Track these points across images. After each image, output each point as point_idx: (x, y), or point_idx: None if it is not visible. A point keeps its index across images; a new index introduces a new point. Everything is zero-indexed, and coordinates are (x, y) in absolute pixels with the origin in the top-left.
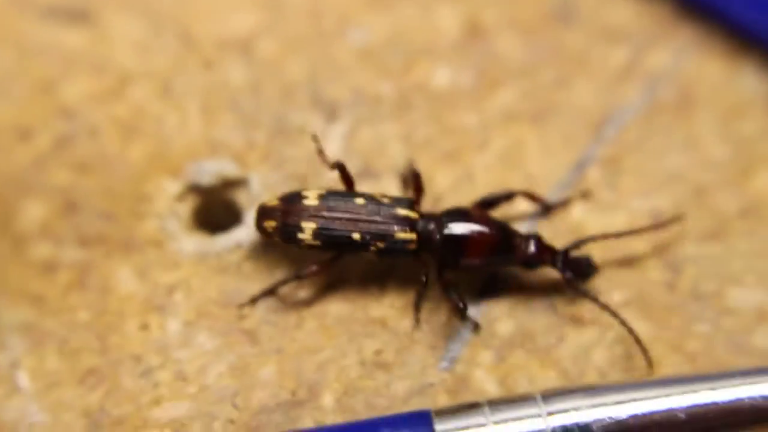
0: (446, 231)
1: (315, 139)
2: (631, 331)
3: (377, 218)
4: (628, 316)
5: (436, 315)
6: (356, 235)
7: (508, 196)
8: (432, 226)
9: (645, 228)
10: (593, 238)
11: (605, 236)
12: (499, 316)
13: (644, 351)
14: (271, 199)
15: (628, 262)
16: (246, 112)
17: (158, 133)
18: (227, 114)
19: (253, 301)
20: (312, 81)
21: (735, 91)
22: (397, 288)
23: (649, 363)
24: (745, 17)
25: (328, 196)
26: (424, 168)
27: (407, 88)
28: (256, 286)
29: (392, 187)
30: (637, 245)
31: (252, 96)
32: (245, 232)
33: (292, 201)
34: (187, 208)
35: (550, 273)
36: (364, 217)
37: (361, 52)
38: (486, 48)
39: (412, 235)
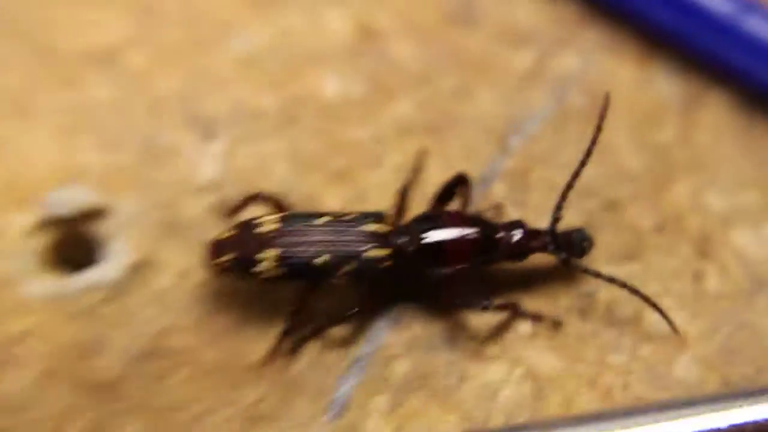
0: (423, 241)
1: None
2: (663, 313)
3: (343, 238)
4: (535, 348)
5: (326, 353)
6: (321, 260)
7: (459, 181)
8: (405, 238)
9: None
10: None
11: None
12: (396, 353)
13: (674, 330)
14: (222, 231)
15: (536, 288)
16: (110, 133)
17: (8, 158)
18: (89, 135)
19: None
20: (186, 96)
21: (648, 96)
22: (277, 325)
23: (675, 330)
24: (655, 17)
25: (288, 218)
26: (311, 188)
27: (292, 99)
28: (121, 333)
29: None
30: (547, 266)
31: (117, 115)
32: (109, 268)
33: (247, 229)
34: (41, 243)
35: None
36: (329, 238)
37: (242, 61)
38: (379, 54)
39: (385, 252)
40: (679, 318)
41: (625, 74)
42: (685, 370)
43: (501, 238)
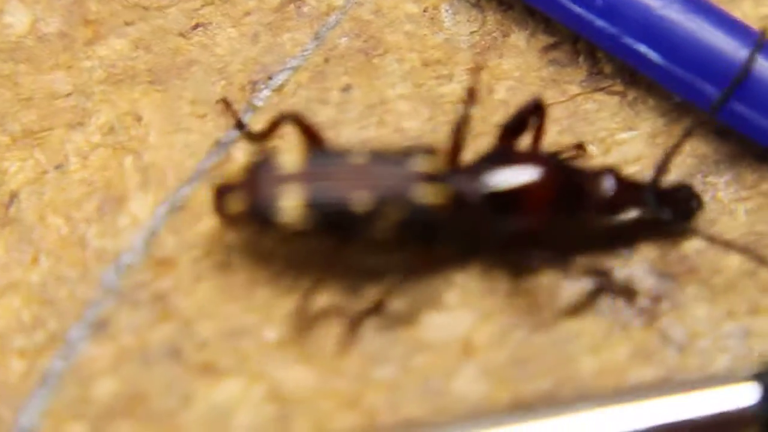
0: (492, 185)
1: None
2: None
3: (388, 180)
4: (281, 360)
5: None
6: (361, 205)
7: (534, 108)
8: (467, 180)
9: None
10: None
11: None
12: (97, 370)
13: None
14: (232, 172)
15: (289, 286)
16: None
17: None
18: None
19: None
20: None
21: (435, 37)
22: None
23: None
24: None
25: (315, 156)
26: None
27: None
28: None
29: None
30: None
31: None
32: None
33: (263, 169)
34: None
35: None
36: (370, 179)
37: None
38: None
39: (445, 196)
40: (464, 321)
41: (405, 10)
42: (468, 384)
43: (589, 187)
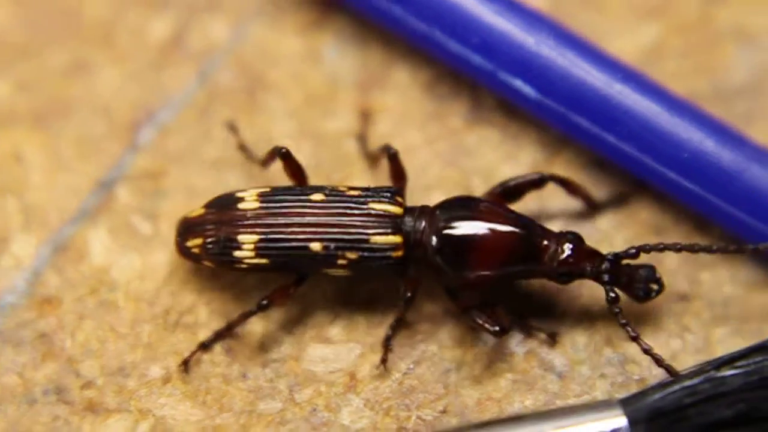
0: (445, 231)
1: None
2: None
3: (344, 219)
4: (167, 396)
5: None
6: (316, 245)
7: (538, 182)
8: (423, 224)
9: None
10: (662, 247)
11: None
12: None
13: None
14: (194, 208)
15: (175, 322)
16: None
17: None
18: None
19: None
20: None
21: (318, 73)
22: None
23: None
24: None
25: (273, 194)
26: None
27: None
28: None
29: None
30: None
31: None
32: None
33: (223, 207)
34: None
35: None
36: (326, 220)
37: None
38: None
39: (396, 239)
40: (349, 353)
41: (289, 47)
42: (354, 415)
43: (546, 248)
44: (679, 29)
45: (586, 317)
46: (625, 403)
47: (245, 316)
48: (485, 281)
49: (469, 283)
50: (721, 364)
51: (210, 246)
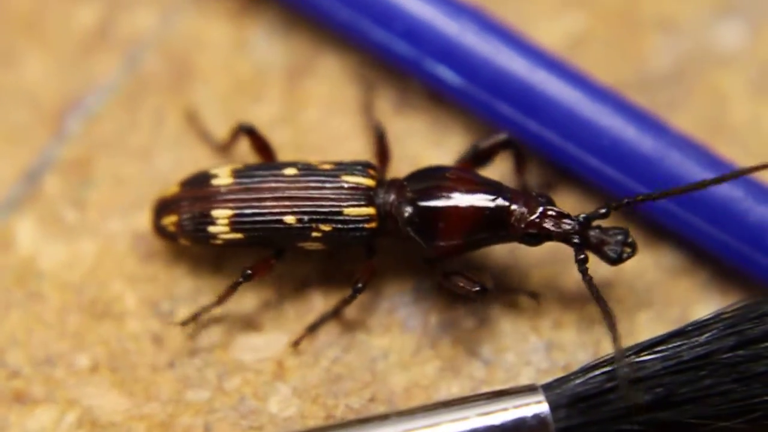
0: (414, 202)
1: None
2: None
3: (317, 192)
4: (94, 386)
5: None
6: (290, 218)
7: (506, 144)
8: (392, 196)
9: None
10: (635, 200)
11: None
12: None
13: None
14: (169, 187)
15: (102, 311)
16: None
17: None
18: None
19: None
20: None
21: (245, 60)
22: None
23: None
24: None
25: (245, 170)
26: None
27: None
28: None
29: None
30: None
31: None
32: None
33: (196, 184)
34: None
35: None
36: (299, 193)
37: None
38: None
39: (369, 210)
40: (277, 341)
41: (216, 34)
42: (282, 403)
43: (513, 211)
44: (605, 18)
45: (512, 305)
46: (547, 389)
47: (233, 288)
48: (457, 248)
49: (441, 252)
50: (641, 349)
51: (185, 223)
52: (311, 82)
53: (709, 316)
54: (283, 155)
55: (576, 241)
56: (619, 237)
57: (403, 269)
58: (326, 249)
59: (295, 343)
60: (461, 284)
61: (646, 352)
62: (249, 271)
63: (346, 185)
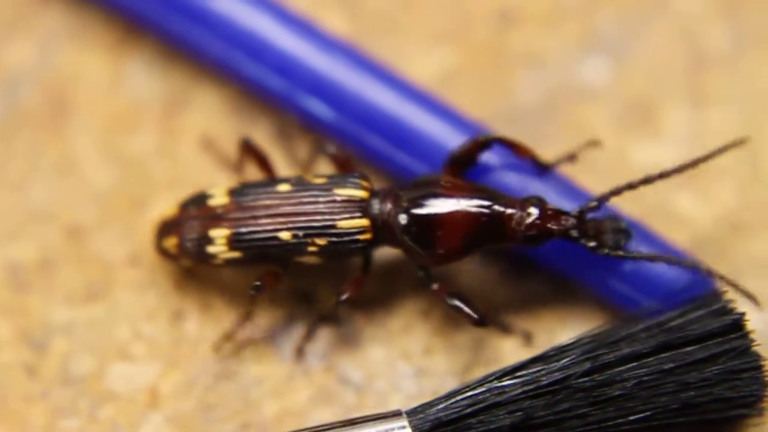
0: (410, 210)
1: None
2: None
3: (310, 207)
4: None
5: None
6: (285, 234)
7: (484, 144)
8: (389, 205)
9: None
10: (620, 190)
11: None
12: None
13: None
14: (169, 208)
15: None
16: None
17: None
18: None
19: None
20: None
21: (122, 94)
22: None
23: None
24: None
25: (241, 189)
26: None
27: None
28: None
29: None
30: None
31: None
32: None
33: (194, 206)
34: None
35: None
36: (293, 209)
37: None
38: None
39: (363, 222)
40: (150, 371)
41: (93, 68)
42: None
43: (511, 215)
44: (475, 53)
45: (384, 331)
46: (411, 414)
47: (251, 303)
48: (455, 256)
49: (439, 260)
50: (503, 374)
51: (187, 244)
52: (188, 116)
53: (570, 341)
54: (160, 189)
55: (575, 235)
56: (614, 225)
57: (277, 297)
58: (324, 262)
59: (299, 352)
60: (462, 306)
61: (507, 377)
62: (258, 283)
63: (338, 198)
